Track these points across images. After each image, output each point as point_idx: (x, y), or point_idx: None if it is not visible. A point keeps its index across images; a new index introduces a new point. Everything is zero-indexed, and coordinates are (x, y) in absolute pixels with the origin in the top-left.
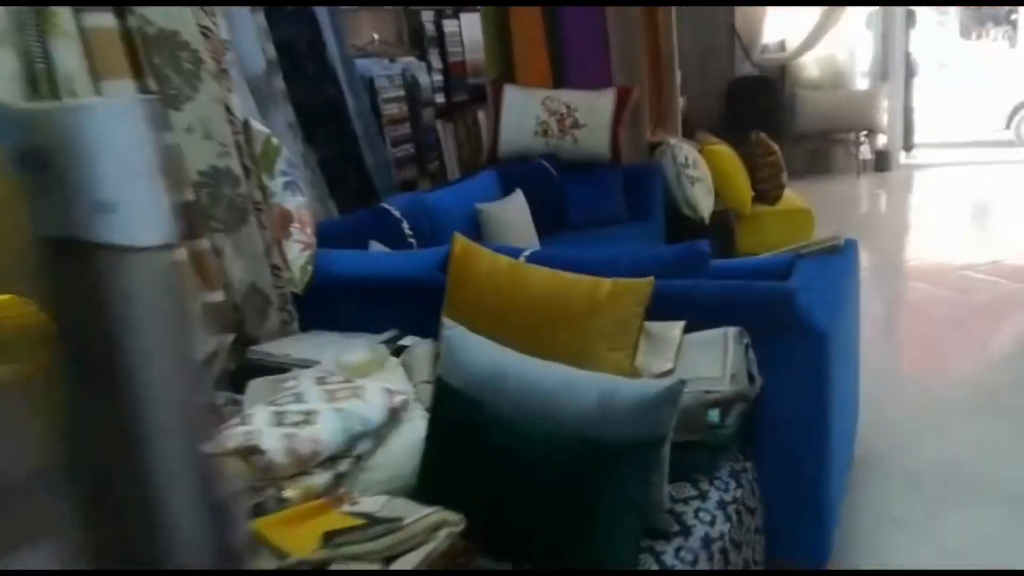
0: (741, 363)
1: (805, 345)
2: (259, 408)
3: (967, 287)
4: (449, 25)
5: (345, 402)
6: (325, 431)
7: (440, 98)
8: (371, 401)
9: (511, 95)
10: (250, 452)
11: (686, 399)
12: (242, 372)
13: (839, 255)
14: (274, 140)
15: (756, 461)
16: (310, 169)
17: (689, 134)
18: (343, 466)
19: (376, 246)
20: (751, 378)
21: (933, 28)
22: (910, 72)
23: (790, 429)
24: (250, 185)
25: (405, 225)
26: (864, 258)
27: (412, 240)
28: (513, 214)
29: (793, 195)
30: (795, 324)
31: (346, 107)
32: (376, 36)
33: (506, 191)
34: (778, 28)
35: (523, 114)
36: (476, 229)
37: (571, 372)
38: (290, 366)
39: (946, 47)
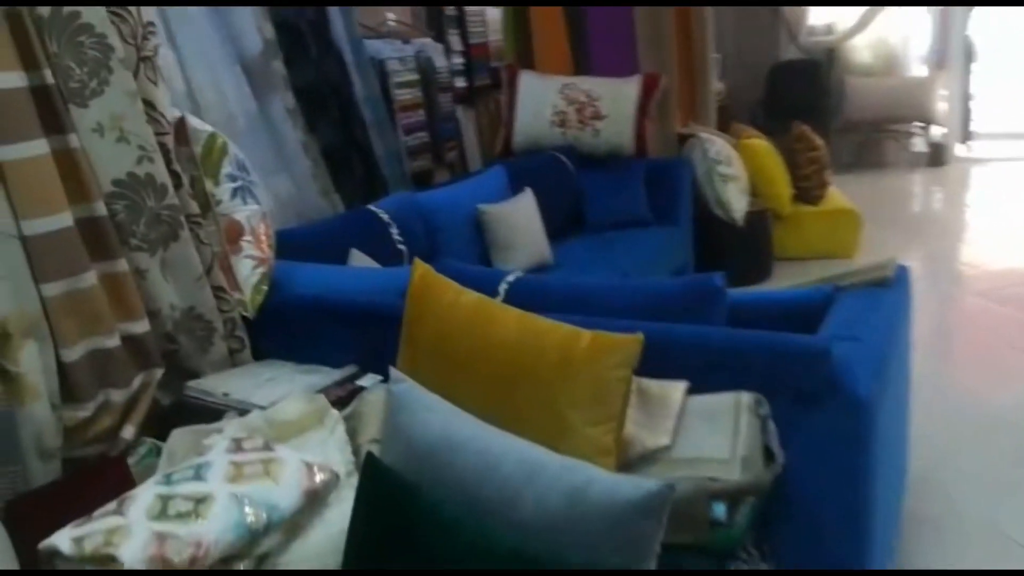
0: (756, 441)
1: (842, 416)
2: (146, 488)
3: None
4: (472, 5)
5: (251, 482)
6: (214, 528)
7: (460, 82)
8: (284, 481)
9: (527, 82)
10: (104, 561)
11: (683, 487)
12: (175, 412)
13: (888, 288)
14: (220, 138)
15: (775, 560)
16: (312, 159)
17: (725, 125)
18: (243, 565)
19: (358, 257)
20: (769, 456)
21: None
22: (969, 57)
23: (820, 522)
24: (182, 195)
25: (394, 230)
26: (916, 265)
27: (402, 247)
28: (521, 215)
29: (838, 194)
30: (830, 390)
31: (353, 92)
32: (390, 16)
33: (516, 188)
34: (826, 8)
35: (539, 103)
36: (479, 233)
37: (537, 456)
38: (226, 409)
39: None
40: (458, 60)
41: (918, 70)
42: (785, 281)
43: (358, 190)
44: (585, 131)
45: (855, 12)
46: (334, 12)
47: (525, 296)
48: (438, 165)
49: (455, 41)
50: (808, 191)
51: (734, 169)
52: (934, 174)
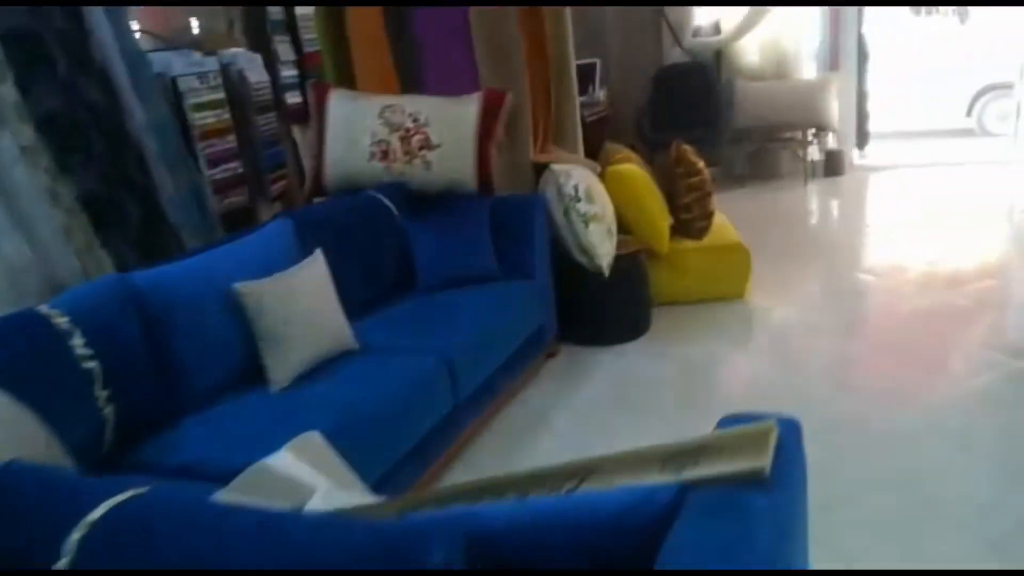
0: None
1: None
2: None
3: (938, 322)
4: (304, 8)
5: None
6: None
7: (294, 98)
8: None
9: (338, 104)
10: None
11: None
12: None
13: (764, 490)
14: None
15: None
16: (65, 209)
17: (600, 142)
18: None
19: None
20: None
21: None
22: (863, 57)
23: None
24: None
25: (76, 341)
26: (815, 291)
27: (92, 365)
28: (304, 291)
29: (725, 224)
30: None
31: (124, 119)
32: (195, 21)
33: (308, 248)
34: (712, 8)
35: (355, 129)
36: (243, 324)
37: None
38: None
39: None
40: (290, 72)
41: (811, 72)
42: (666, 334)
43: (137, 242)
44: (414, 164)
45: (742, 10)
46: (98, 16)
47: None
48: (263, 200)
49: (285, 50)
50: (689, 224)
51: (596, 206)
52: (831, 184)
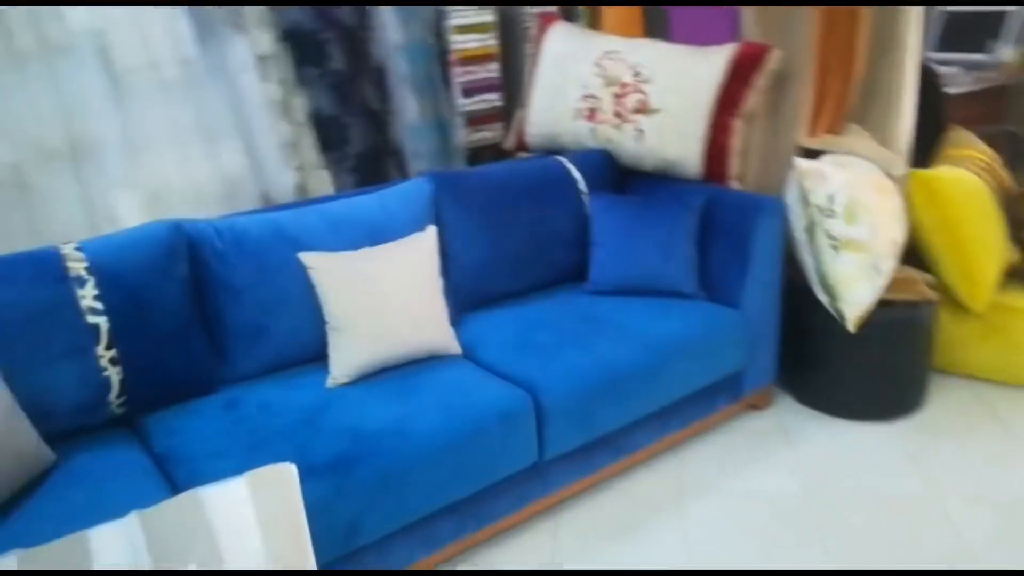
0: None
1: None
2: None
3: None
4: None
5: None
6: None
7: None
8: None
9: (557, 41)
10: None
11: None
12: None
13: None
14: None
15: None
16: (292, 123)
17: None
18: None
19: None
20: None
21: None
22: None
23: None
24: None
25: (88, 291)
26: None
27: (96, 322)
28: (394, 275)
29: None
30: None
31: (370, 36)
32: None
33: (458, 218)
34: None
35: (565, 76)
36: (313, 299)
37: None
38: None
39: None
40: None
41: None
42: (949, 424)
43: (357, 168)
44: (623, 130)
45: None
46: None
47: None
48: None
49: None
50: None
51: (860, 228)
52: None
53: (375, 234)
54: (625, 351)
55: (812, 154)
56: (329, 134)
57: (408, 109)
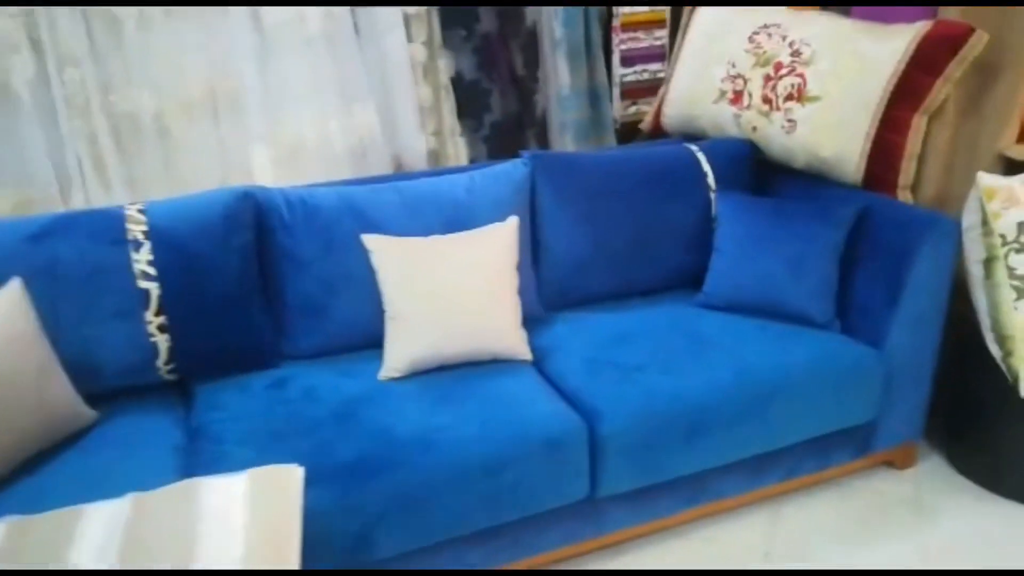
0: None
1: None
2: None
3: None
4: None
5: None
6: None
7: None
8: None
9: (708, 11)
10: None
11: None
12: None
13: None
14: None
15: None
16: (432, 87)
17: None
18: None
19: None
20: None
21: None
22: None
23: None
24: None
25: (142, 256)
26: None
27: (147, 287)
28: (461, 266)
29: None
30: None
31: None
32: None
33: (545, 203)
34: None
35: (711, 52)
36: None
37: None
38: None
39: None
40: None
41: None
42: None
43: (492, 137)
44: (772, 119)
45: None
46: None
47: None
48: None
49: None
50: None
51: None
52: None
53: (455, 218)
54: (720, 381)
55: (1015, 167)
56: (468, 100)
57: (558, 76)
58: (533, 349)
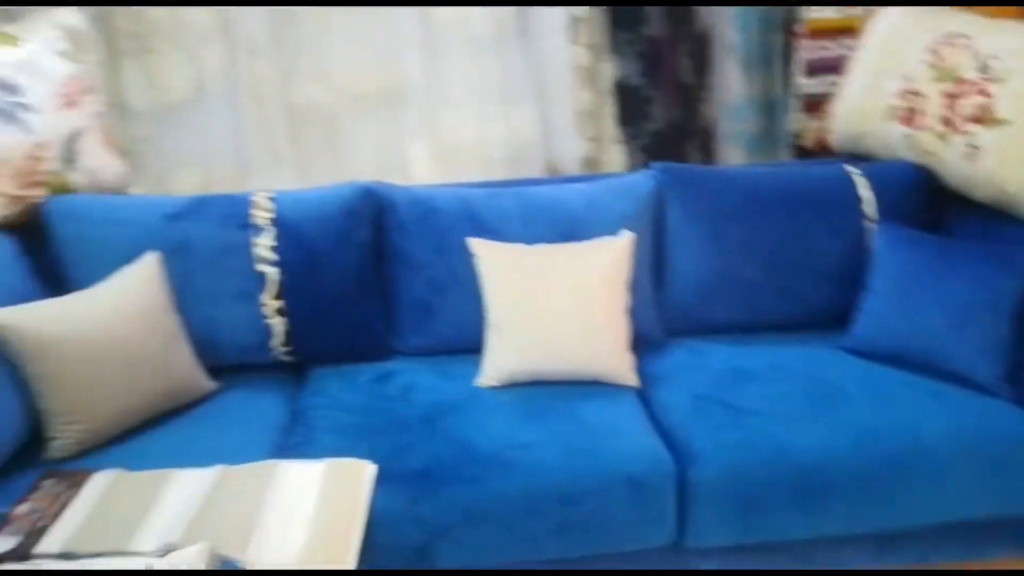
0: None
1: None
2: None
3: None
4: None
5: None
6: None
7: None
8: None
9: (887, 19)
10: None
11: None
12: None
13: None
14: None
15: None
16: (594, 91)
17: None
18: None
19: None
20: None
21: None
22: None
23: None
24: None
25: (264, 240)
26: None
27: (265, 271)
28: (560, 280)
29: None
30: None
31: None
32: None
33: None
34: None
35: (886, 61)
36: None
37: None
38: None
39: None
40: None
41: None
42: None
43: (651, 147)
44: (950, 143)
45: None
46: None
47: None
48: None
49: None
50: None
51: None
52: None
53: (570, 229)
54: (840, 442)
55: None
56: (629, 106)
57: (729, 84)
58: (643, 375)
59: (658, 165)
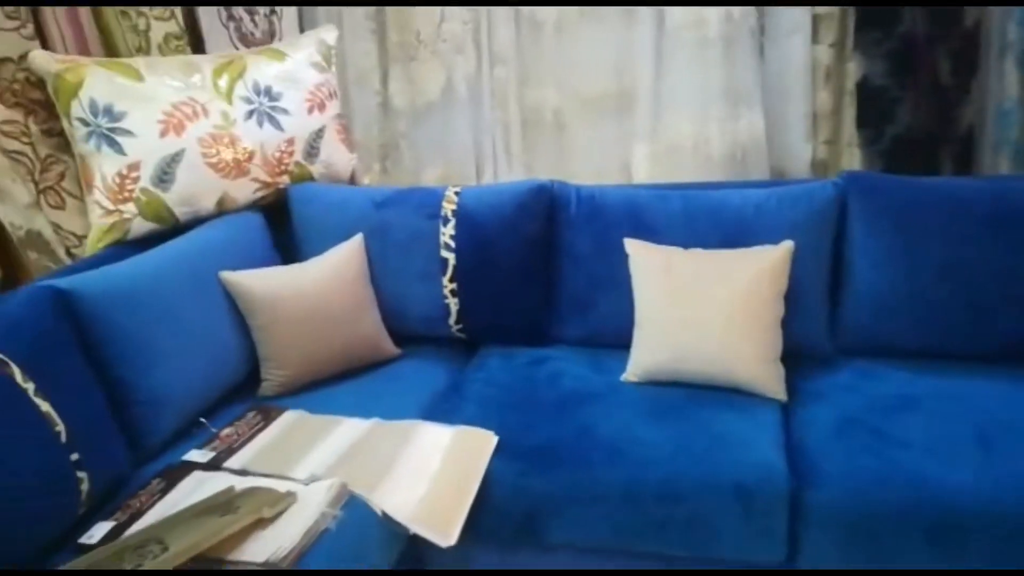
0: None
1: None
2: None
3: None
4: None
5: None
6: None
7: None
8: None
9: None
10: None
11: None
12: None
13: None
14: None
15: None
16: (831, 92)
17: None
18: None
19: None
20: None
21: None
22: None
23: None
24: None
25: (448, 228)
26: None
27: (448, 256)
28: (719, 286)
29: None
30: None
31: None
32: None
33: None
34: None
35: None
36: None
37: None
38: None
39: None
40: None
41: None
42: None
43: (891, 152)
44: None
45: None
46: None
47: None
48: None
49: None
50: None
51: None
52: None
53: (734, 235)
54: (990, 486)
55: None
56: (870, 108)
57: (1003, 86)
58: (797, 390)
59: (845, 173)
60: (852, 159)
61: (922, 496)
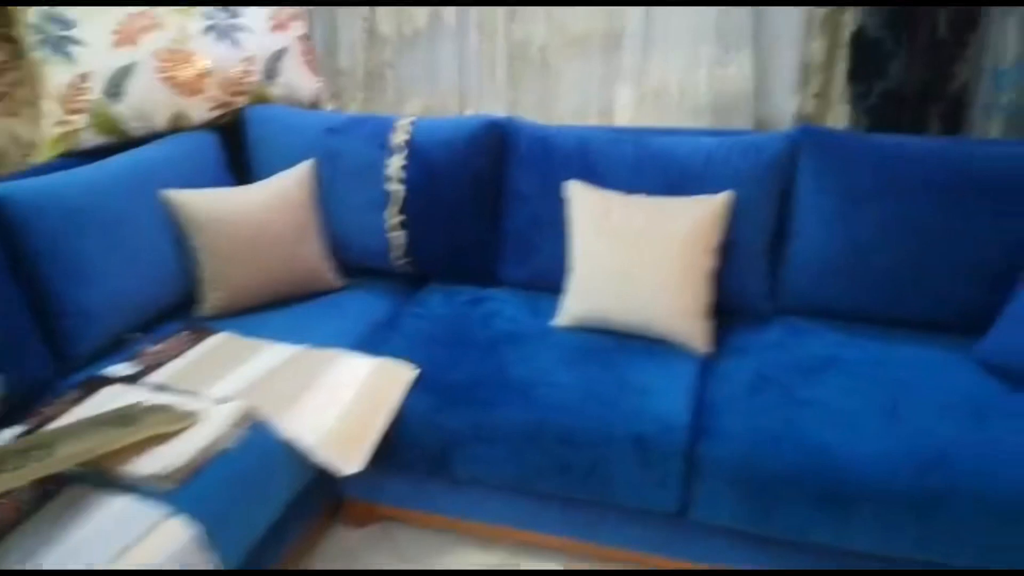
0: None
1: None
2: None
3: None
4: None
5: None
6: None
7: None
8: None
9: None
10: None
11: None
12: None
13: None
14: None
15: None
16: (823, 43)
17: None
18: None
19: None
20: None
21: None
22: None
23: None
24: None
25: (398, 158)
26: None
27: (395, 188)
28: (655, 234)
29: None
30: None
31: None
32: None
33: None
34: None
35: None
36: None
37: None
38: None
39: None
40: None
41: None
42: None
43: (875, 108)
44: None
45: None
46: None
47: None
48: None
49: None
50: None
51: None
52: None
53: (680, 184)
54: (883, 457)
55: None
56: (863, 61)
57: (1005, 44)
58: (724, 345)
59: (801, 126)
60: (839, 115)
61: (813, 462)
